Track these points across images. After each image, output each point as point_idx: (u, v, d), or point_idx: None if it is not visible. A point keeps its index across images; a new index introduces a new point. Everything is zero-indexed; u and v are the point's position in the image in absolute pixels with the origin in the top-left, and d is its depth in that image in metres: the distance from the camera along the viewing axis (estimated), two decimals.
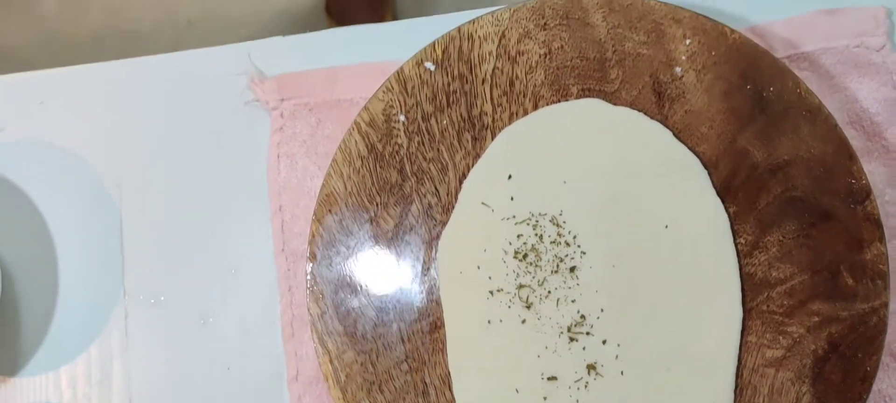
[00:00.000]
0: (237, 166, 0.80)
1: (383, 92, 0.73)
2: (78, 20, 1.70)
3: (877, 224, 0.67)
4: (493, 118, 0.72)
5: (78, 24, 1.69)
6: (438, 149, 0.73)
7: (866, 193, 0.67)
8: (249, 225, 0.79)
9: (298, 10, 1.55)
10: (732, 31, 0.70)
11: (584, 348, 0.69)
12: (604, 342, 0.69)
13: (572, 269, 0.70)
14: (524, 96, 0.72)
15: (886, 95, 0.73)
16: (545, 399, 0.68)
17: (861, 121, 0.73)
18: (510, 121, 0.72)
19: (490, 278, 0.71)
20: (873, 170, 0.71)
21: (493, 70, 0.73)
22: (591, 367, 0.68)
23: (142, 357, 0.78)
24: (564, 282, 0.70)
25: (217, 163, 0.81)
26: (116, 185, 0.81)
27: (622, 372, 0.68)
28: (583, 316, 0.69)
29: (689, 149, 0.70)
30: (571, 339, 0.69)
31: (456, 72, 0.73)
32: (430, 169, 0.72)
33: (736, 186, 0.69)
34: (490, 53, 0.73)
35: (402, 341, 0.71)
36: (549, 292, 0.70)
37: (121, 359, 0.78)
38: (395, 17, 1.66)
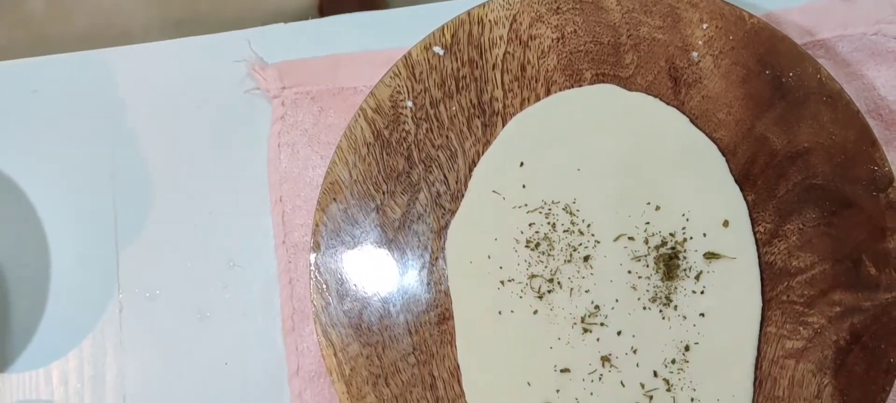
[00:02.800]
0: (236, 156, 0.78)
1: (390, 77, 0.71)
2: (66, 20, 1.68)
3: None
4: (504, 104, 0.71)
5: (66, 25, 1.67)
6: (447, 136, 0.71)
7: (889, 180, 0.65)
8: (248, 217, 0.77)
9: (291, 10, 1.53)
10: (751, 15, 0.69)
11: (598, 339, 0.67)
12: (619, 333, 0.67)
13: (586, 258, 0.68)
14: (536, 81, 0.71)
15: None
16: (558, 391, 0.67)
17: (879, 110, 0.72)
18: (522, 107, 0.71)
19: (501, 268, 0.69)
20: (893, 160, 0.70)
21: (504, 55, 0.71)
22: (605, 359, 0.67)
23: (137, 352, 0.76)
24: (578, 272, 0.68)
25: (215, 152, 0.79)
26: (111, 176, 0.79)
27: (638, 365, 0.66)
28: (597, 307, 0.67)
29: (707, 135, 0.69)
30: (585, 330, 0.67)
31: (466, 57, 0.71)
32: (438, 156, 0.71)
33: (755, 174, 0.68)
34: (501, 38, 0.71)
35: (410, 333, 0.69)
36: (562, 282, 0.68)
37: (115, 355, 0.76)
38: None
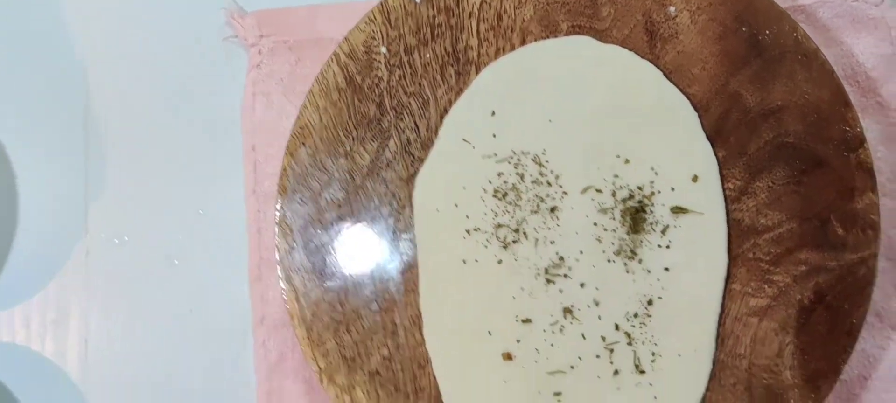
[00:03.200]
0: (211, 103, 0.78)
1: (365, 23, 0.71)
2: None
3: (869, 173, 0.64)
4: (479, 53, 0.70)
5: None
6: (420, 84, 0.70)
7: (860, 141, 0.65)
8: (221, 165, 0.76)
9: None
10: None
11: (561, 290, 0.66)
12: (582, 285, 0.66)
13: (553, 210, 0.67)
14: (512, 31, 0.70)
15: (884, 51, 0.71)
16: (518, 341, 0.66)
17: (856, 77, 0.71)
18: (496, 56, 0.70)
19: (467, 217, 0.68)
20: (867, 127, 0.69)
21: (481, 4, 0.70)
22: (567, 310, 0.66)
23: (102, 297, 0.76)
24: (544, 223, 0.67)
25: (190, 99, 0.78)
26: (83, 120, 0.78)
27: (600, 317, 0.66)
28: (561, 258, 0.66)
29: (680, 90, 0.68)
30: (548, 281, 0.66)
31: (442, 4, 0.70)
32: (410, 103, 0.70)
33: (727, 130, 0.67)
34: None
35: (373, 280, 0.68)
36: (528, 232, 0.67)
37: (79, 299, 0.75)
38: None
